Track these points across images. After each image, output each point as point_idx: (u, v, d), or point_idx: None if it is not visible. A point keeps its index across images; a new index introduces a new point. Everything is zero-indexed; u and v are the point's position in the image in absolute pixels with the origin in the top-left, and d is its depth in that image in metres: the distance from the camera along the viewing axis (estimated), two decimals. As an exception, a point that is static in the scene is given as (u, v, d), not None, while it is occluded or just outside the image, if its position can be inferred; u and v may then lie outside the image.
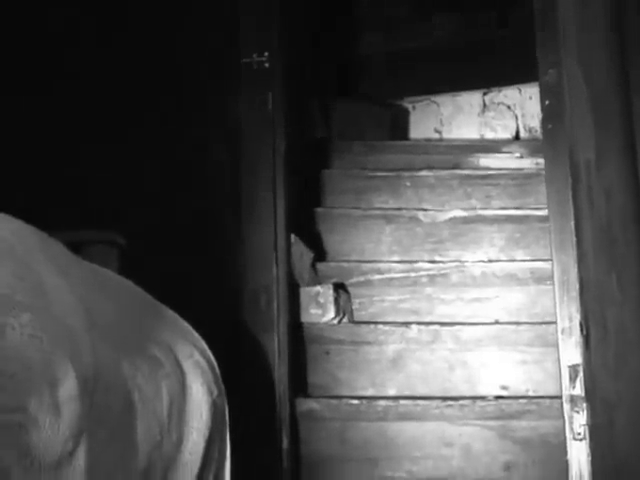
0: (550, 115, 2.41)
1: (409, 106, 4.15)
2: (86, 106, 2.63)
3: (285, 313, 2.50)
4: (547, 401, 2.51)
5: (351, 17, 4.28)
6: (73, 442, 1.26)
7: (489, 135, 3.98)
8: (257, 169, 2.52)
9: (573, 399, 2.20)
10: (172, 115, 2.63)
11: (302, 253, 2.76)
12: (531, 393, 2.67)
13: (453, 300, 2.89)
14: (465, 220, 3.05)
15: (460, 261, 2.96)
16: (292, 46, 2.81)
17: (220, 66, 2.63)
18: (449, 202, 3.20)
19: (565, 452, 2.20)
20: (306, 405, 2.57)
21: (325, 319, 2.74)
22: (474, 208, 3.15)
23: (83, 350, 1.35)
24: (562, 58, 2.39)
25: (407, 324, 2.75)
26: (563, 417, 2.21)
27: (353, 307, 2.88)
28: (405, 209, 3.14)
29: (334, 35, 4.12)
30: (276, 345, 2.43)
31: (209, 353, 1.93)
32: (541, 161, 2.68)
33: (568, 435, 2.19)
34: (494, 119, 4.00)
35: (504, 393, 2.67)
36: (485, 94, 4.07)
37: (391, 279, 2.90)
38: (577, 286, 2.25)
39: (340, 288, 2.85)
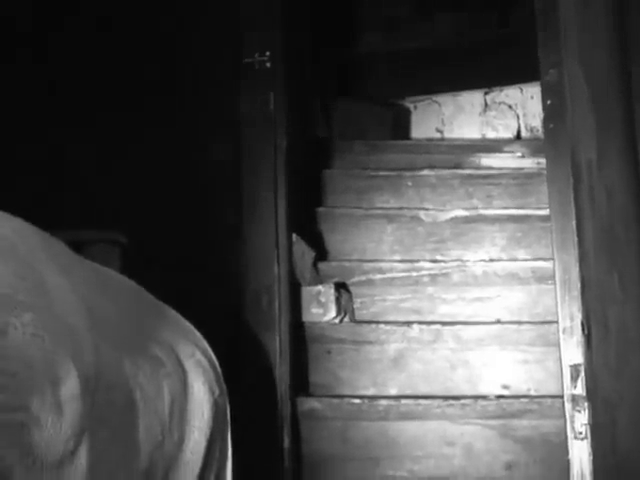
0: (551, 115, 2.41)
1: (410, 106, 4.15)
2: (86, 106, 2.63)
3: (286, 312, 2.50)
4: (548, 400, 2.51)
5: (352, 17, 4.28)
6: (75, 441, 1.26)
7: (490, 135, 3.98)
8: (259, 169, 2.52)
9: (574, 398, 2.20)
10: (173, 115, 2.63)
11: (304, 252, 2.76)
12: (532, 392, 2.67)
13: (454, 299, 2.89)
14: (466, 219, 3.05)
15: (462, 260, 2.96)
16: (293, 46, 2.81)
17: (221, 66, 2.63)
18: (450, 202, 3.20)
19: (566, 451, 2.20)
20: (307, 404, 2.57)
21: (326, 318, 2.74)
22: (475, 208, 3.15)
23: (85, 349, 1.35)
24: (563, 58, 2.39)
25: (409, 323, 2.75)
26: (564, 416, 2.22)
27: (354, 306, 2.88)
28: (407, 208, 3.14)
29: (335, 35, 4.12)
30: (277, 344, 2.43)
31: (210, 352, 1.94)
32: (542, 161, 2.68)
33: (569, 434, 2.19)
34: (495, 119, 4.00)
35: (505, 392, 2.67)
36: (486, 94, 4.07)
37: (392, 278, 2.90)
38: (578, 285, 2.25)
39: (341, 287, 2.85)
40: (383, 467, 2.54)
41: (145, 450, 1.53)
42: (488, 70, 3.98)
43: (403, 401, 2.59)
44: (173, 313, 1.95)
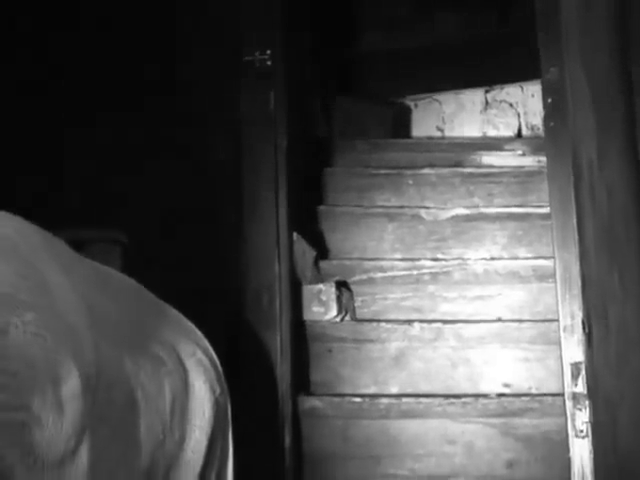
0: (552, 113, 2.41)
1: (411, 104, 4.14)
2: (86, 105, 2.63)
3: (287, 311, 2.50)
4: (549, 399, 2.51)
5: (352, 15, 4.28)
6: (76, 440, 1.26)
7: (491, 133, 3.98)
8: (259, 168, 2.52)
9: (575, 396, 2.20)
10: (174, 114, 2.63)
11: (304, 251, 2.77)
12: (534, 391, 2.67)
13: (455, 298, 2.89)
14: (467, 218, 3.05)
15: (462, 259, 2.96)
16: (294, 44, 2.81)
17: (221, 65, 2.63)
18: (451, 200, 3.20)
19: (567, 449, 2.20)
20: (308, 403, 2.57)
21: (327, 317, 2.74)
22: (476, 206, 3.15)
23: (86, 348, 1.35)
24: (564, 57, 2.39)
25: (409, 322, 2.76)
26: (565, 414, 2.22)
27: (355, 305, 2.88)
28: (407, 207, 3.14)
29: (336, 33, 4.12)
30: (278, 343, 2.43)
31: (211, 351, 1.94)
32: (543, 159, 2.68)
33: (570, 432, 2.19)
34: (496, 117, 4.00)
35: (506, 391, 2.68)
36: (487, 92, 4.06)
37: (393, 277, 2.90)
38: (579, 284, 2.26)
39: (342, 286, 2.85)
40: (384, 465, 2.54)
41: (146, 449, 1.53)
42: (489, 68, 3.98)
43: (404, 399, 2.59)
44: (174, 312, 1.95)
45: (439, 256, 3.01)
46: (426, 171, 3.28)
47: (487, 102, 4.05)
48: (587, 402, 2.18)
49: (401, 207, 3.14)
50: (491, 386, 2.68)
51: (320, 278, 2.84)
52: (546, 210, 2.49)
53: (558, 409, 2.30)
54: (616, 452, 2.20)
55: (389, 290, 2.90)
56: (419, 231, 3.06)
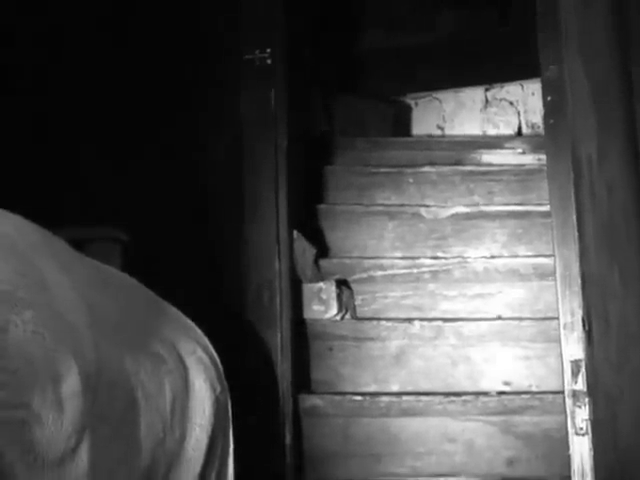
0: (552, 111, 2.41)
1: (411, 102, 4.14)
2: (86, 105, 2.63)
3: (288, 309, 2.50)
4: (550, 396, 2.51)
5: (352, 13, 4.28)
6: (76, 438, 1.27)
7: (491, 131, 3.98)
8: (260, 169, 2.52)
9: (575, 394, 2.21)
10: (174, 114, 2.63)
11: (304, 249, 2.77)
12: (534, 388, 2.67)
13: (456, 296, 2.90)
14: (467, 216, 3.05)
15: (463, 257, 2.96)
16: (294, 42, 2.81)
17: (221, 65, 2.63)
18: (451, 198, 3.20)
19: (567, 447, 2.20)
20: (309, 401, 2.57)
21: (328, 315, 2.74)
22: (476, 204, 3.15)
23: (85, 346, 1.36)
24: (564, 55, 2.39)
25: (410, 320, 2.76)
26: (565, 412, 2.22)
27: (356, 303, 2.88)
28: (408, 205, 3.14)
29: (336, 31, 4.12)
30: (279, 341, 2.43)
31: (212, 349, 1.94)
32: (543, 157, 2.68)
33: (570, 430, 2.19)
34: (496, 115, 4.00)
35: (507, 389, 2.68)
36: (487, 90, 4.06)
37: (394, 275, 2.91)
38: (579, 281, 2.26)
39: (343, 284, 2.85)
40: (384, 464, 2.54)
41: (146, 447, 1.53)
42: (489, 67, 3.98)
43: (404, 398, 2.59)
44: (174, 310, 1.95)
45: (439, 254, 3.01)
46: (426, 169, 3.28)
47: (487, 100, 4.05)
48: (587, 399, 2.18)
49: (401, 205, 3.14)
50: (491, 384, 2.68)
51: (320, 276, 2.84)
52: (546, 208, 2.49)
53: (558, 407, 2.30)
54: (616, 449, 2.20)
55: (389, 288, 2.90)
56: (419, 229, 3.06)
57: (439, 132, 4.07)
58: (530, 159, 3.44)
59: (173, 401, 1.66)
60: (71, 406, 1.25)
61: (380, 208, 3.12)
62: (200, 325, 1.97)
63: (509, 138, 3.76)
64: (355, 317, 2.85)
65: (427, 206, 3.10)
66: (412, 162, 3.41)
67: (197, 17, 2.68)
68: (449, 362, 2.71)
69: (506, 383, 2.68)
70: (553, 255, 2.34)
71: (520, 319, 2.78)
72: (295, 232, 2.65)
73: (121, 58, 2.65)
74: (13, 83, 2.61)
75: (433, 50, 4.10)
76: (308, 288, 2.75)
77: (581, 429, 2.18)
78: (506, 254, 3.01)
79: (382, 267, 2.91)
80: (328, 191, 3.25)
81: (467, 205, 3.11)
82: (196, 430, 1.74)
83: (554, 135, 2.40)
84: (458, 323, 2.74)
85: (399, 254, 3.03)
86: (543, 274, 2.80)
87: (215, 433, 1.81)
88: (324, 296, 2.74)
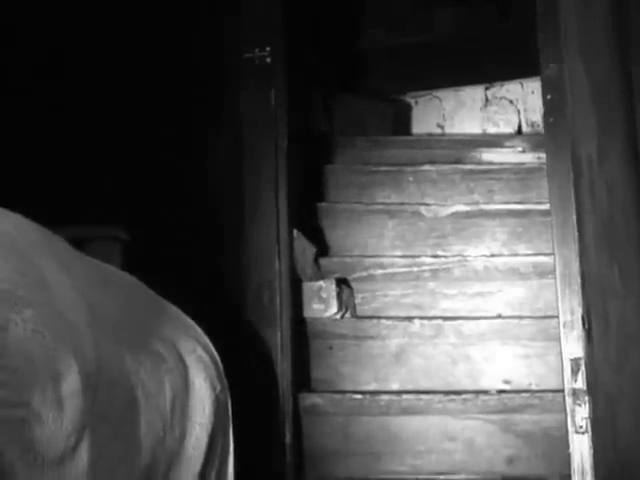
0: (552, 109, 2.41)
1: (411, 101, 4.14)
2: (85, 104, 2.63)
3: (288, 308, 2.50)
4: (549, 395, 2.52)
5: (352, 13, 4.27)
6: (76, 437, 1.27)
7: (491, 130, 3.98)
8: (260, 169, 2.51)
9: (575, 392, 2.21)
10: (174, 114, 2.63)
11: (305, 248, 2.77)
12: (534, 387, 2.67)
13: (456, 295, 2.90)
14: (467, 215, 3.05)
15: (462, 256, 2.96)
16: (294, 42, 2.80)
17: (221, 65, 2.63)
18: (451, 197, 3.20)
19: (567, 445, 2.21)
20: (309, 400, 2.58)
21: (328, 314, 2.74)
22: (476, 203, 3.15)
23: (85, 345, 1.36)
24: (564, 53, 2.40)
25: (410, 319, 2.76)
26: (565, 410, 2.22)
27: (356, 302, 2.88)
28: (408, 204, 3.14)
29: (336, 30, 4.12)
30: (279, 340, 2.43)
31: (212, 348, 1.94)
32: (543, 155, 2.68)
33: (570, 428, 2.20)
34: (496, 114, 4.00)
35: (507, 387, 2.68)
36: (487, 89, 4.06)
37: (394, 274, 2.91)
38: (579, 280, 2.26)
39: (343, 283, 2.85)
40: (385, 462, 2.55)
41: (146, 446, 1.53)
42: (489, 65, 3.98)
43: (404, 396, 2.59)
44: (174, 309, 1.95)
45: (439, 253, 3.01)
46: (426, 168, 3.28)
47: (487, 99, 4.05)
48: (587, 398, 2.18)
49: (401, 204, 3.15)
50: (491, 382, 2.68)
51: (320, 275, 2.84)
52: (546, 207, 2.50)
53: (558, 405, 2.30)
54: (616, 448, 2.20)
55: (389, 287, 2.91)
56: (419, 228, 3.06)
57: (439, 131, 4.07)
58: (530, 157, 3.44)
59: (173, 400, 1.66)
60: (71, 405, 1.26)
61: (380, 207, 3.12)
62: (200, 324, 1.97)
63: (509, 136, 3.76)
64: (355, 316, 2.85)
65: (427, 204, 3.10)
66: (412, 161, 3.41)
67: (197, 16, 2.68)
68: (449, 361, 2.71)
69: (506, 382, 2.69)
70: (553, 254, 2.34)
71: (520, 318, 2.78)
72: (295, 231, 2.65)
73: (120, 57, 2.65)
74: (13, 82, 2.61)
75: (433, 49, 4.10)
76: (308, 287, 2.76)
77: (581, 427, 2.18)
78: (506, 253, 3.01)
79: (382, 265, 2.91)
80: (328, 190, 3.25)
81: (467, 204, 3.11)
82: (196, 429, 1.74)
83: (554, 133, 2.40)
84: (458, 322, 2.74)
85: (399, 252, 3.03)
86: (543, 273, 2.80)
87: (215, 432, 1.81)
88: (324, 295, 2.74)
